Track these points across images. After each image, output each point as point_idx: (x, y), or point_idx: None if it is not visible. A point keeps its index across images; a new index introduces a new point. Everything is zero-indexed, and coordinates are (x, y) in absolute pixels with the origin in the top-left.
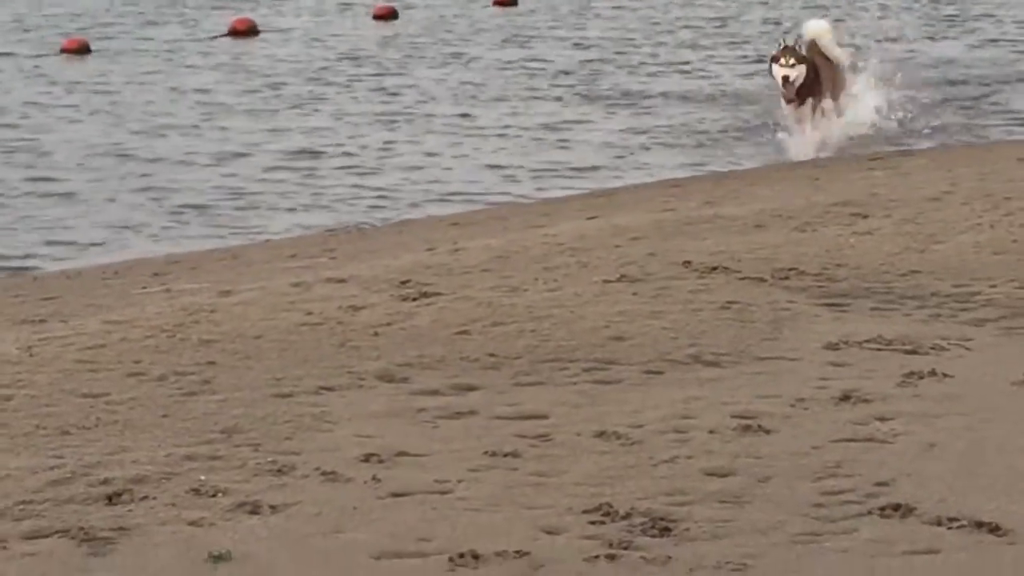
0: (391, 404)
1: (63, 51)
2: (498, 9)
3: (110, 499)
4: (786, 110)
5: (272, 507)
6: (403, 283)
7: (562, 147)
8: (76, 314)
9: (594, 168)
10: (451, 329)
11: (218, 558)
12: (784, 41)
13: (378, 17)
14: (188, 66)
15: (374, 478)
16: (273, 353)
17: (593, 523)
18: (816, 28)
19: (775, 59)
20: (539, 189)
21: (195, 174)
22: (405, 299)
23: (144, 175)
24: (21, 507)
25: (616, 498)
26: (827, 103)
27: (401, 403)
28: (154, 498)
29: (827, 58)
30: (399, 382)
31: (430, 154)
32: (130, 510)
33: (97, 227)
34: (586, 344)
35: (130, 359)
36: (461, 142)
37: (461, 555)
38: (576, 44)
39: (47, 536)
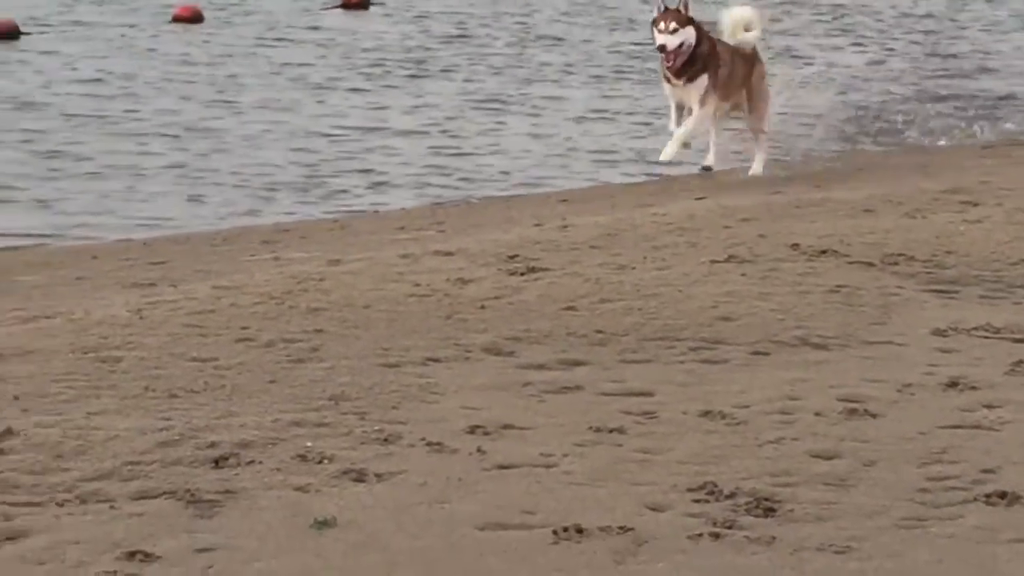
0: (497, 377)
1: (175, 19)
2: None
3: (217, 462)
4: (666, 91)
5: (378, 475)
6: (511, 257)
7: (655, 134)
8: (185, 279)
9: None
10: (558, 304)
11: (323, 524)
12: (663, 3)
13: None
14: (295, 40)
15: (479, 450)
16: (381, 323)
17: (697, 501)
18: (738, 16)
19: (654, 23)
20: (630, 174)
21: (288, 151)
22: (513, 273)
23: (234, 151)
24: (129, 467)
25: (721, 477)
26: (709, 99)
27: (507, 376)
28: (260, 463)
29: (745, 57)
30: (506, 355)
31: (532, 135)
32: (236, 474)
33: (192, 201)
34: (693, 323)
35: (239, 325)
36: (560, 124)
37: (565, 529)
38: None
39: (154, 497)
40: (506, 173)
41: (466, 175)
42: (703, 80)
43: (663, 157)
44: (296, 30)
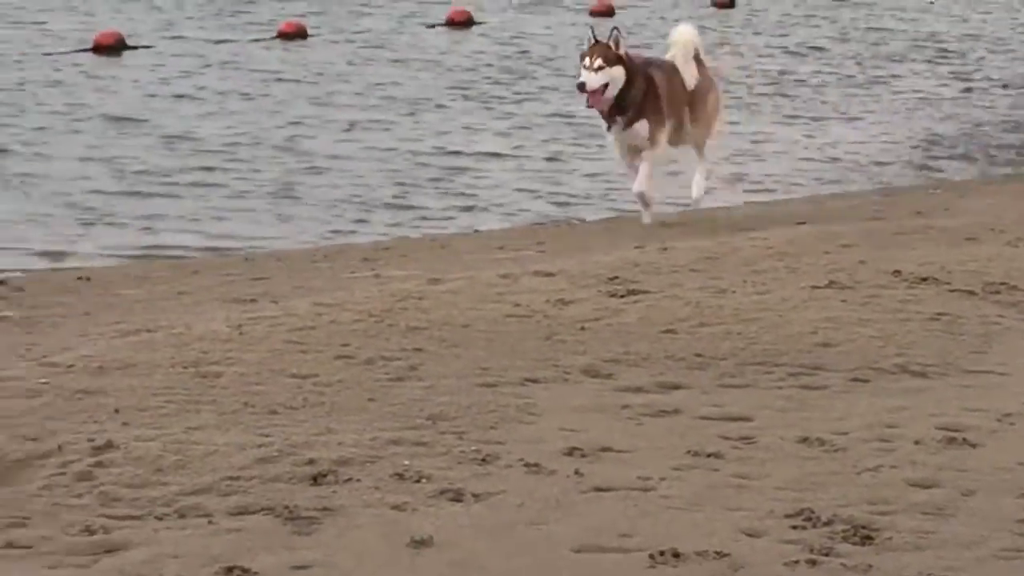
0: (596, 399)
1: (279, 35)
2: (716, 10)
3: (315, 479)
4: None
5: (475, 495)
6: (611, 279)
7: (756, 159)
8: (286, 295)
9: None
10: (658, 327)
11: (420, 543)
12: (593, 35)
13: (595, 13)
14: (395, 58)
15: (577, 472)
16: (480, 342)
17: (794, 528)
18: (680, 36)
19: (581, 58)
20: (726, 200)
21: (383, 170)
22: (613, 295)
23: (331, 169)
24: (228, 483)
25: (818, 504)
26: (660, 136)
27: (606, 399)
28: (358, 480)
29: (684, 80)
30: (604, 378)
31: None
32: (334, 491)
33: (288, 219)
34: (793, 349)
35: (338, 342)
36: None
37: (662, 552)
38: (783, 51)
39: (253, 513)
40: (602, 196)
41: (562, 198)
42: (643, 125)
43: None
44: (398, 48)
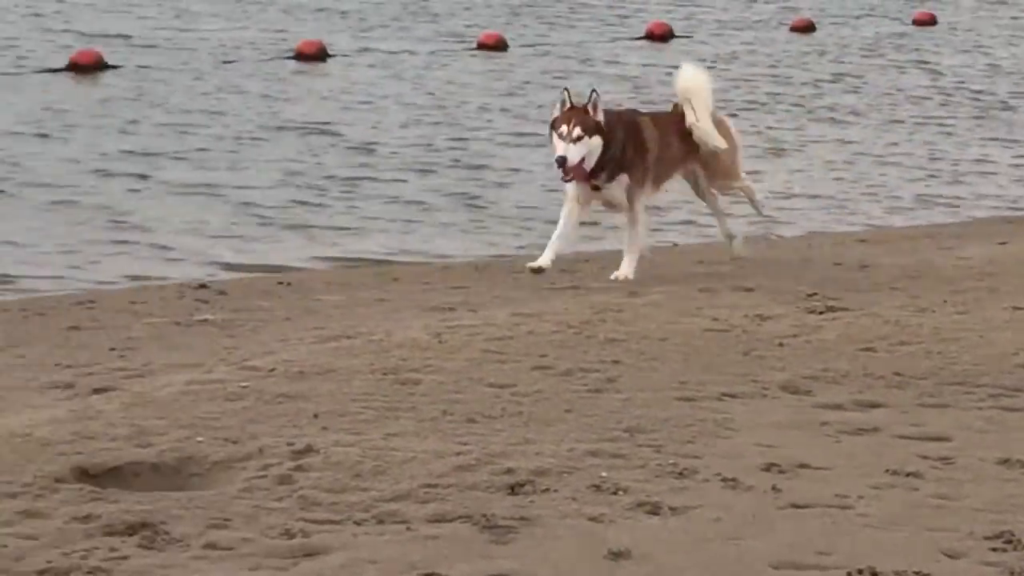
0: (794, 415)
1: (479, 46)
2: (916, 28)
3: (512, 489)
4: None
5: (672, 509)
6: (810, 296)
7: (955, 179)
8: (484, 304)
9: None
10: (856, 345)
11: (617, 555)
12: (568, 97)
13: (795, 29)
14: (591, 72)
15: (774, 488)
16: (678, 356)
17: (994, 550)
18: (689, 81)
19: (553, 125)
20: (916, 219)
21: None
22: (811, 312)
23: (527, 182)
24: (426, 490)
25: (1019, 527)
26: (641, 196)
27: (804, 415)
28: (556, 491)
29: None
30: (802, 394)
31: (809, 177)
32: (532, 501)
33: (482, 229)
34: (993, 370)
35: (536, 352)
36: (841, 166)
37: (860, 571)
38: (982, 70)
39: (450, 520)
40: (800, 213)
41: (758, 216)
42: (623, 179)
43: (619, 276)
44: (594, 62)
